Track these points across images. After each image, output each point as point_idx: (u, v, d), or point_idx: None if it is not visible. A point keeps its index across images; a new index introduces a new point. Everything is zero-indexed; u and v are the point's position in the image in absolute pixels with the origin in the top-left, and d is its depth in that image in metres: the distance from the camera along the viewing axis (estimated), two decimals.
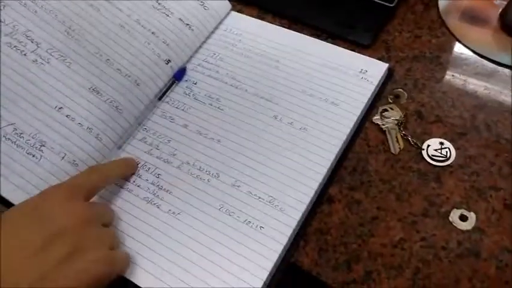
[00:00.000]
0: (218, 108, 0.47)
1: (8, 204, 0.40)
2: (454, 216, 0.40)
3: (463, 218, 0.40)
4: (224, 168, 0.43)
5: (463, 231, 0.39)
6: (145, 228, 0.41)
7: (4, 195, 0.40)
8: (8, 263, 0.32)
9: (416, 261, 0.38)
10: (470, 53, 0.50)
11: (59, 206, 0.36)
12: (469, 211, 0.40)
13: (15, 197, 0.39)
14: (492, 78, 0.48)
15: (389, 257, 0.39)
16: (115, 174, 0.43)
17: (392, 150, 0.44)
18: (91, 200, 0.39)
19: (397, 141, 0.44)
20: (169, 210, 0.42)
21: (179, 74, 0.49)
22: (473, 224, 0.40)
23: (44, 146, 0.41)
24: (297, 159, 0.43)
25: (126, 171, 0.44)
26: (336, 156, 0.43)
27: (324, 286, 0.38)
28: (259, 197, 0.41)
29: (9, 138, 0.40)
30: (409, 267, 0.38)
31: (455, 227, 0.40)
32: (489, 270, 0.37)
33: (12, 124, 0.41)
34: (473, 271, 0.37)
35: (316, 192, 0.41)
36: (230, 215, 0.41)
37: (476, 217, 0.40)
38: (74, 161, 0.42)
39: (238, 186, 0.42)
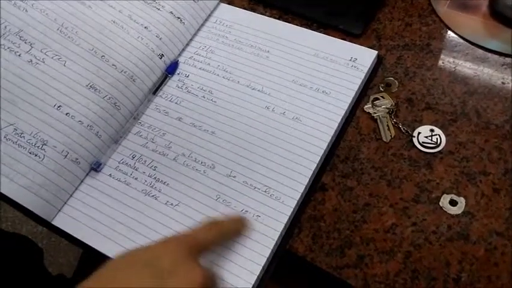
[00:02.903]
0: (211, 100, 0.48)
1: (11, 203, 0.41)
2: (444, 201, 0.41)
3: (453, 202, 0.41)
4: (219, 159, 0.44)
5: (452, 216, 0.40)
6: (144, 220, 0.42)
7: (9, 195, 0.40)
8: None
9: (407, 245, 0.39)
10: (461, 40, 0.50)
11: (182, 264, 0.33)
12: (459, 196, 0.41)
13: (20, 197, 0.40)
14: (482, 65, 0.48)
15: (381, 242, 0.40)
16: (232, 232, 0.40)
17: (384, 138, 0.45)
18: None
19: (388, 129, 0.45)
20: (167, 201, 0.42)
21: (172, 68, 0.50)
22: (462, 209, 0.40)
23: (45, 145, 0.42)
24: (291, 148, 0.44)
25: (241, 229, 0.41)
26: (328, 145, 0.44)
27: (319, 271, 0.39)
28: (255, 187, 0.42)
29: (10, 139, 0.41)
30: (400, 251, 0.39)
31: (445, 211, 0.41)
32: (478, 253, 0.38)
33: (12, 125, 0.41)
34: (462, 254, 0.38)
35: (310, 180, 0.42)
36: (227, 205, 0.42)
37: (466, 202, 0.41)
38: (77, 159, 0.43)
39: (234, 177, 0.43)
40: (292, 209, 0.41)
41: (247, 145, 0.44)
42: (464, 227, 0.40)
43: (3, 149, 0.41)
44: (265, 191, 0.42)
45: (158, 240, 0.35)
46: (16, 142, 0.41)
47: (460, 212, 0.40)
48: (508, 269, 0.37)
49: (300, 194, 0.41)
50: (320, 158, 0.43)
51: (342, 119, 0.45)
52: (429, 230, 0.40)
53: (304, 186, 0.42)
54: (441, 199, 0.41)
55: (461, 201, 0.41)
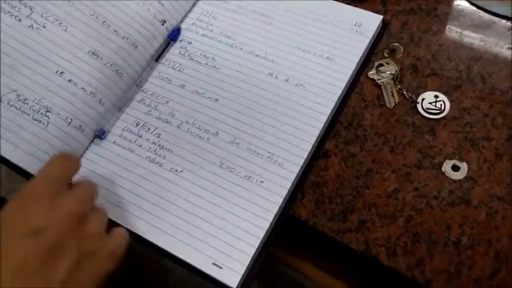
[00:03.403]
0: (214, 67, 0.47)
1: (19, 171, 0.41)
2: (447, 166, 0.41)
3: (455, 168, 0.41)
4: (223, 126, 0.44)
5: (454, 181, 0.41)
6: (149, 186, 0.42)
7: (15, 161, 0.41)
8: None
9: (408, 210, 0.40)
10: (467, 4, 0.50)
11: (49, 210, 0.32)
12: (461, 161, 0.41)
13: (27, 163, 0.41)
14: (489, 30, 0.48)
15: (383, 207, 0.40)
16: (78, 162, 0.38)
17: (388, 105, 0.45)
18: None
19: (392, 95, 0.45)
20: (172, 168, 0.43)
21: (174, 35, 0.49)
22: (465, 174, 0.41)
23: (49, 111, 0.42)
24: (294, 115, 0.44)
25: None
26: (332, 111, 0.44)
27: (321, 235, 0.40)
28: (258, 153, 0.42)
29: (13, 105, 0.41)
30: (402, 215, 0.40)
31: (448, 177, 0.41)
32: (479, 217, 0.39)
33: (14, 91, 0.42)
34: (463, 218, 0.39)
35: (313, 146, 0.42)
36: (231, 171, 0.42)
37: (468, 167, 0.41)
38: (81, 126, 0.43)
39: (238, 144, 0.43)
40: (295, 175, 0.41)
41: (251, 112, 0.45)
42: (465, 192, 0.40)
43: (7, 115, 0.41)
44: (268, 157, 0.42)
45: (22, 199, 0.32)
46: (20, 108, 0.41)
47: (462, 177, 0.41)
48: (508, 232, 0.38)
49: (303, 159, 0.42)
50: (323, 124, 0.43)
51: (346, 85, 0.45)
52: (431, 195, 0.40)
53: (307, 152, 0.42)
54: (444, 164, 0.41)
55: (464, 166, 0.41)
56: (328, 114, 0.43)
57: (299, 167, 0.41)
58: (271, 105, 0.45)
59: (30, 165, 0.41)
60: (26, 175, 0.41)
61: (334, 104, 0.44)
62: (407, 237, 0.39)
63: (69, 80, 0.43)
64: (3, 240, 0.30)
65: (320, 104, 0.44)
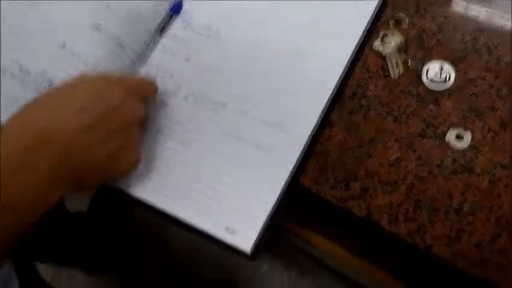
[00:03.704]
0: (217, 39, 0.48)
1: None
2: (450, 136, 0.41)
3: (459, 137, 0.41)
4: (229, 96, 0.45)
5: (458, 150, 0.41)
6: (159, 158, 0.43)
7: None
8: (63, 127, 0.34)
9: (411, 178, 0.40)
10: None
11: (125, 97, 0.38)
12: (465, 131, 0.41)
13: None
14: (494, 3, 0.47)
15: (385, 175, 0.40)
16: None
17: (392, 76, 0.45)
18: None
19: (397, 66, 0.45)
20: (181, 140, 0.43)
21: (177, 7, 0.50)
22: (468, 143, 0.41)
23: (52, 85, 0.43)
24: (301, 83, 0.44)
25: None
26: (339, 79, 0.44)
27: (324, 202, 0.41)
28: (267, 122, 0.43)
29: (16, 77, 0.42)
30: (404, 183, 0.40)
31: (451, 146, 0.41)
32: (481, 185, 0.39)
33: (17, 62, 0.42)
34: (465, 186, 0.39)
35: (321, 114, 0.43)
36: (239, 141, 0.42)
37: (472, 136, 0.41)
38: None
39: (245, 113, 0.44)
40: (304, 143, 0.41)
41: (257, 82, 0.45)
42: (468, 161, 0.40)
43: (11, 87, 0.41)
44: (277, 125, 0.42)
45: (98, 75, 0.39)
46: (23, 80, 0.42)
47: (465, 146, 0.41)
48: (510, 199, 0.38)
49: (312, 127, 0.42)
50: (330, 92, 0.43)
51: (352, 54, 0.45)
52: (433, 164, 0.40)
53: (316, 120, 0.42)
54: (448, 134, 0.41)
55: (467, 135, 0.41)
56: (335, 82, 0.44)
57: (308, 135, 0.42)
58: (277, 75, 0.45)
59: None
60: None
61: (341, 72, 0.44)
62: (408, 204, 0.39)
63: (71, 53, 0.44)
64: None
65: (326, 72, 0.44)
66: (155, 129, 0.44)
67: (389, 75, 0.45)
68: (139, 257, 1.16)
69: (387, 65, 0.45)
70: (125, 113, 0.38)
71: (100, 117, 0.36)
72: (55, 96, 0.37)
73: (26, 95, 0.42)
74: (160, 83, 0.47)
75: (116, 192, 0.42)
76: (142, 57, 0.48)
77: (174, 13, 0.50)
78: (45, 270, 0.59)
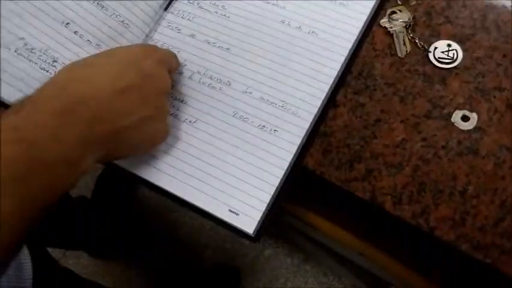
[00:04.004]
0: (224, 15, 0.47)
1: None
2: (456, 117, 0.41)
3: (465, 118, 0.41)
4: (235, 75, 0.44)
5: (463, 131, 0.40)
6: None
7: None
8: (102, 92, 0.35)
9: (416, 159, 0.40)
10: None
11: (158, 69, 0.39)
12: (471, 112, 0.41)
13: None
14: None
15: (390, 157, 0.40)
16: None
17: (399, 54, 0.44)
18: None
19: (404, 44, 0.44)
20: (186, 119, 0.43)
21: None
22: (474, 124, 0.40)
23: (56, 61, 0.42)
24: (307, 63, 0.43)
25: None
26: (345, 59, 0.43)
27: (328, 184, 0.41)
28: (272, 102, 0.42)
29: (21, 54, 0.42)
30: (409, 165, 0.40)
31: (457, 127, 0.41)
32: (486, 167, 0.39)
33: (22, 39, 0.42)
34: (470, 168, 0.39)
35: (327, 94, 0.42)
36: (244, 121, 0.42)
37: (478, 117, 0.41)
38: None
39: (250, 93, 0.43)
40: (309, 123, 0.41)
41: (263, 61, 0.44)
42: (474, 142, 0.40)
43: (16, 63, 0.41)
44: (282, 106, 0.42)
45: (133, 45, 0.41)
46: (27, 57, 0.42)
47: (471, 127, 0.40)
48: None
49: (317, 108, 0.41)
50: (337, 72, 0.43)
51: (360, 32, 0.44)
52: (439, 145, 0.40)
53: (321, 101, 0.42)
54: (454, 115, 0.41)
55: (473, 116, 0.41)
56: (342, 61, 0.43)
57: (313, 116, 0.41)
58: (283, 53, 0.44)
59: None
60: None
61: (348, 51, 0.43)
62: (412, 186, 0.39)
63: (75, 32, 0.43)
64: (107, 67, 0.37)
65: (333, 52, 0.43)
66: None
67: (395, 54, 0.44)
68: (143, 239, 1.18)
69: (394, 43, 0.44)
70: (157, 81, 0.39)
71: (132, 84, 0.36)
72: (89, 64, 0.37)
73: (31, 72, 0.42)
74: None
75: (120, 172, 0.42)
76: (146, 33, 0.47)
77: None
78: (52, 253, 0.60)
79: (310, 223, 0.47)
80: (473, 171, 0.39)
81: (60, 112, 0.32)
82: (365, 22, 0.44)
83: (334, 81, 0.43)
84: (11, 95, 0.41)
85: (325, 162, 0.41)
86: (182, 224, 1.18)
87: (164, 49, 0.44)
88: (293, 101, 0.42)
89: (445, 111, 0.41)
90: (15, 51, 0.42)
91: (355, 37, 0.44)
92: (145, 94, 0.37)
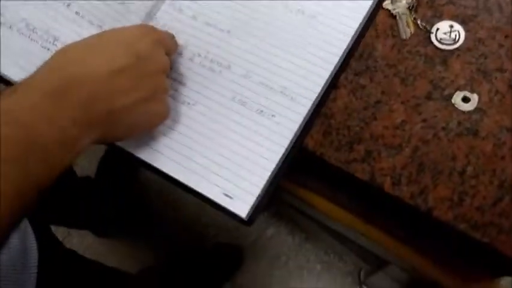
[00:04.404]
0: None
1: None
2: (457, 98, 0.41)
3: (466, 99, 0.41)
4: (235, 59, 0.44)
5: (464, 112, 0.40)
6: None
7: None
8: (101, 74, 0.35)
9: (415, 140, 0.40)
10: None
11: (154, 49, 0.39)
12: (472, 93, 0.41)
13: None
14: None
15: (389, 138, 0.41)
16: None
17: (403, 36, 0.44)
18: None
19: (408, 26, 0.44)
20: (184, 101, 0.43)
21: None
22: (475, 105, 0.40)
23: (57, 40, 0.43)
24: (308, 48, 0.43)
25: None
26: (348, 44, 0.43)
27: (327, 165, 0.41)
28: (271, 87, 0.42)
29: (23, 33, 0.42)
30: (408, 146, 0.40)
31: (457, 108, 0.41)
32: (486, 148, 0.39)
33: (23, 19, 0.42)
34: (470, 149, 0.39)
35: (327, 81, 0.42)
36: (243, 105, 0.42)
37: (479, 98, 0.41)
38: None
39: (250, 77, 0.43)
40: (307, 110, 0.41)
41: (264, 44, 0.44)
42: (474, 123, 0.40)
43: (19, 42, 0.42)
44: (281, 91, 0.42)
45: (129, 26, 0.40)
46: (29, 36, 0.42)
47: (471, 108, 0.40)
48: None
49: (317, 94, 0.41)
50: (339, 58, 0.42)
51: (364, 18, 0.43)
52: (438, 126, 0.40)
53: (321, 87, 0.41)
54: (454, 96, 0.41)
55: (474, 98, 0.41)
56: (344, 47, 0.42)
57: (312, 102, 0.41)
58: (285, 37, 0.44)
59: None
60: None
61: (351, 37, 0.43)
62: (412, 167, 0.39)
63: (76, 12, 0.43)
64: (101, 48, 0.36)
65: (335, 37, 0.43)
66: None
67: (397, 35, 0.44)
68: (146, 218, 1.19)
69: (396, 25, 0.44)
70: (154, 61, 0.38)
71: (128, 65, 0.36)
72: (84, 46, 0.37)
73: (33, 50, 0.42)
74: None
75: (118, 152, 0.42)
76: (147, 14, 0.47)
77: None
78: (56, 233, 0.61)
79: (310, 203, 0.48)
80: (473, 152, 0.39)
81: (53, 93, 0.32)
82: (371, 7, 0.44)
83: (335, 67, 0.42)
84: (12, 71, 0.41)
85: (325, 143, 0.41)
86: (185, 204, 1.19)
87: (162, 30, 0.44)
88: (293, 87, 0.42)
89: (446, 92, 0.41)
90: (17, 31, 0.42)
91: (359, 22, 0.43)
92: (141, 74, 0.37)
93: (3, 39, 0.42)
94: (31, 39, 0.42)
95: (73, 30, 0.43)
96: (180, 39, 0.46)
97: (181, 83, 0.44)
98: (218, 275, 1.15)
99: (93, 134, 0.35)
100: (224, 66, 0.44)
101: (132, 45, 0.37)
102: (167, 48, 0.41)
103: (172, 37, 0.44)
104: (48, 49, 0.42)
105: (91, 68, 0.35)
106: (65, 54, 0.36)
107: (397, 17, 0.44)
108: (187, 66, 0.45)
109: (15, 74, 0.42)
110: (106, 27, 0.44)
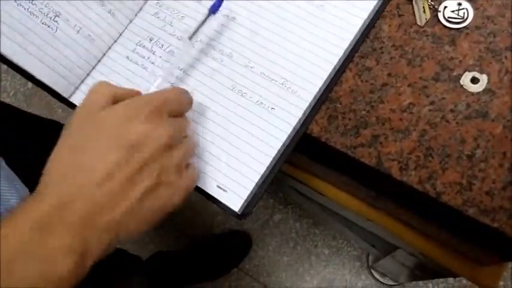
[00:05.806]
0: None
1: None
2: (466, 79, 0.40)
3: (475, 80, 0.40)
4: (238, 47, 0.43)
5: (472, 94, 0.39)
6: None
7: (23, 66, 0.41)
8: (94, 193, 0.30)
9: (423, 124, 0.39)
10: None
11: (145, 128, 0.33)
12: (481, 73, 0.40)
13: (35, 68, 0.41)
14: None
15: (396, 122, 0.40)
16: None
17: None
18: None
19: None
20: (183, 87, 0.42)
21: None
22: (484, 86, 0.39)
23: (58, 16, 0.42)
24: (313, 39, 0.42)
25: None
26: (355, 37, 0.41)
27: (332, 151, 0.40)
28: (272, 79, 0.41)
29: (22, 5, 0.40)
30: (416, 129, 0.39)
31: (466, 89, 0.39)
32: (495, 130, 0.38)
33: None
34: (479, 131, 0.38)
35: (330, 75, 0.41)
36: (242, 96, 0.41)
37: (488, 79, 0.39)
38: (90, 35, 0.43)
39: (252, 67, 0.42)
40: (308, 104, 0.40)
41: (267, 33, 0.43)
42: (483, 105, 0.39)
43: (17, 15, 0.40)
44: (282, 84, 0.41)
45: (118, 105, 0.34)
46: (28, 9, 0.41)
47: (480, 89, 0.39)
48: None
49: (318, 88, 0.40)
50: (344, 51, 0.41)
51: (373, 9, 0.41)
52: (447, 109, 0.39)
53: (323, 81, 0.40)
54: (463, 77, 0.40)
55: (483, 78, 0.39)
56: (351, 40, 0.41)
57: (313, 96, 0.40)
58: (289, 28, 0.42)
59: (39, 71, 0.41)
60: (37, 82, 0.42)
61: (358, 29, 0.41)
62: (420, 151, 0.38)
63: None
64: (95, 141, 0.32)
65: (342, 29, 0.41)
66: (157, 74, 0.43)
67: (403, 14, 0.43)
68: None
69: (403, 4, 0.43)
70: (152, 141, 0.33)
71: (119, 161, 0.31)
72: (70, 153, 0.33)
73: (32, 26, 0.41)
74: (169, 24, 0.45)
75: None
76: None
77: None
78: None
79: (317, 189, 0.47)
80: (482, 135, 0.38)
81: (43, 224, 0.29)
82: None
83: (340, 60, 0.41)
84: (11, 49, 0.41)
85: (330, 128, 0.41)
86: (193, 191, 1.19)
87: (160, 94, 0.36)
88: (294, 79, 0.41)
89: (454, 73, 0.40)
90: (15, 1, 0.40)
91: (368, 13, 0.41)
92: (138, 165, 0.32)
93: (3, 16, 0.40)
94: (30, 13, 0.40)
95: (76, 7, 0.42)
96: (183, 24, 0.45)
97: (180, 69, 0.43)
98: (227, 261, 1.15)
99: (101, 246, 0.31)
100: (226, 55, 0.43)
101: (121, 135, 0.32)
102: (173, 110, 0.36)
103: (182, 93, 0.37)
104: (48, 26, 0.41)
105: (81, 182, 0.31)
106: (51, 175, 0.32)
107: (413, 2, 0.43)
108: (188, 51, 0.44)
109: (12, 50, 0.40)
110: (110, 6, 0.43)
